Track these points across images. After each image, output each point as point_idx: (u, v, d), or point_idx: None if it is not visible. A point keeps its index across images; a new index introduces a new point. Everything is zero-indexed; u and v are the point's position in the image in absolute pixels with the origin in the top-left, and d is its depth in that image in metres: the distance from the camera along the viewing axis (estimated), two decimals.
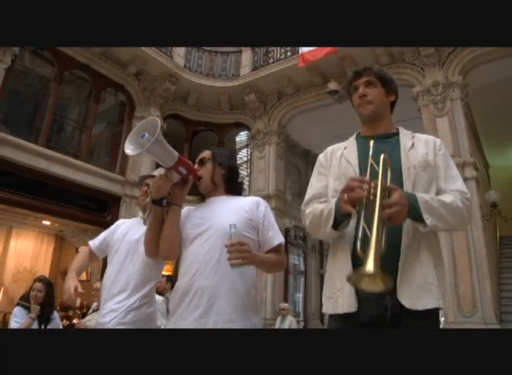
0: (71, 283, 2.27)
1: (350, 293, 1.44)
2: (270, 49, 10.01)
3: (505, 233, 11.25)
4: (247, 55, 10.37)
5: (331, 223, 1.50)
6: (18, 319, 3.87)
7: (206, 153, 2.01)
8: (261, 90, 10.08)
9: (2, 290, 9.33)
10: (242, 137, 11.49)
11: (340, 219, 1.48)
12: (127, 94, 9.48)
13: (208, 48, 10.79)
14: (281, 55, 9.69)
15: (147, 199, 1.93)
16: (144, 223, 1.94)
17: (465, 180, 7.17)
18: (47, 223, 9.19)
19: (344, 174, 1.60)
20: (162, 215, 1.87)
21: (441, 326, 1.77)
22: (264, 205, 1.91)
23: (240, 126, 10.85)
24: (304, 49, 8.76)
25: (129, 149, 1.66)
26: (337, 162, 1.67)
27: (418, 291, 1.38)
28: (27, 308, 3.93)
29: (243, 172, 11.44)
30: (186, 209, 1.97)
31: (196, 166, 1.95)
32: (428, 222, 1.40)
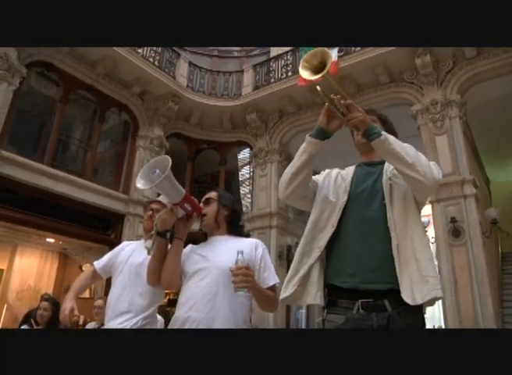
0: (67, 304, 2.33)
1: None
2: (271, 69, 10.21)
3: (507, 249, 11.26)
4: (248, 75, 10.56)
5: (308, 135, 1.68)
6: None
7: (212, 194, 2.12)
8: (262, 109, 10.24)
9: (6, 307, 9.38)
10: (244, 154, 11.62)
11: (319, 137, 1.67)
12: (131, 114, 9.65)
13: (210, 68, 11.02)
14: (282, 74, 9.88)
15: (153, 231, 2.03)
16: (148, 253, 2.03)
17: (465, 197, 7.26)
18: (51, 240, 9.27)
19: (337, 189, 1.75)
20: (166, 246, 1.98)
21: None
22: (262, 247, 2.02)
23: (242, 144, 10.99)
24: None
25: (140, 183, 1.77)
26: (334, 178, 1.81)
27: (417, 286, 1.46)
28: (32, 328, 4.00)
29: (245, 189, 11.56)
30: (189, 247, 2.08)
31: (201, 204, 2.05)
32: (384, 135, 1.55)
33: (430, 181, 1.51)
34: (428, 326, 12.90)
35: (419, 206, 1.66)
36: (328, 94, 1.61)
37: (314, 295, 1.59)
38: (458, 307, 6.84)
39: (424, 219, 8.67)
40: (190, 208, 1.95)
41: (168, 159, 1.77)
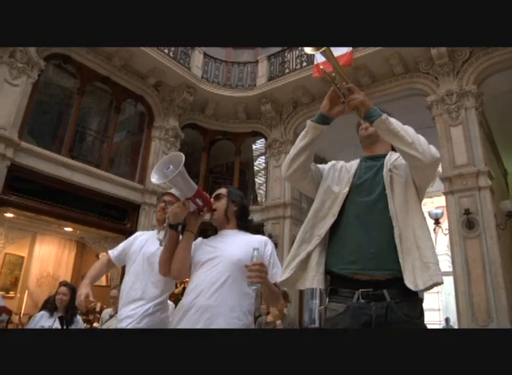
0: (83, 290, 2.45)
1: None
2: (286, 60, 10.20)
3: None
4: (263, 65, 10.55)
5: (309, 121, 1.76)
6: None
7: (222, 190, 2.22)
8: (277, 99, 10.23)
9: (27, 293, 9.66)
10: (259, 144, 11.65)
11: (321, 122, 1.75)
12: (146, 105, 9.76)
13: (224, 59, 11.04)
14: (296, 65, 9.85)
15: (165, 223, 2.12)
16: (160, 244, 2.12)
17: (479, 189, 7.20)
18: (69, 229, 9.48)
19: (341, 180, 1.82)
20: (177, 238, 2.07)
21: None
22: (271, 244, 2.11)
23: (257, 135, 11.01)
24: (318, 60, 8.90)
25: (154, 178, 1.87)
26: (338, 169, 1.88)
27: (419, 272, 1.51)
28: (50, 312, 4.17)
29: (260, 179, 11.63)
30: (199, 239, 2.18)
31: (212, 199, 2.15)
32: (384, 115, 1.61)
33: (428, 158, 1.57)
34: (442, 317, 12.84)
35: (420, 195, 1.70)
36: (332, 76, 1.67)
37: (312, 279, 1.65)
38: (471, 299, 6.83)
39: (437, 211, 8.66)
40: (201, 203, 2.03)
41: (182, 156, 1.85)
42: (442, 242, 10.94)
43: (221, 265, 1.96)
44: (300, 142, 1.77)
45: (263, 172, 11.45)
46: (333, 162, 1.96)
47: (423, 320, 1.62)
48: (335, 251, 1.69)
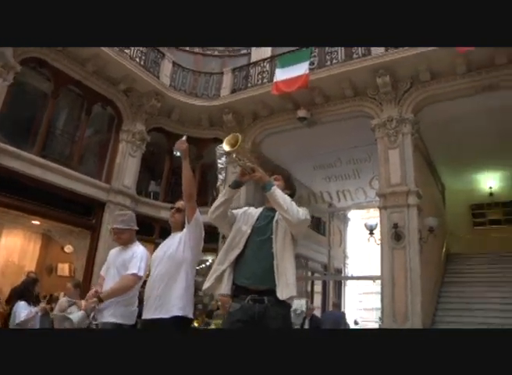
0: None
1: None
2: (249, 74, 10.99)
3: (456, 251, 12.38)
4: (227, 77, 11.32)
5: (228, 186, 2.63)
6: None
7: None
8: (238, 110, 11.03)
9: None
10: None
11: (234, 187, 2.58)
12: (116, 109, 10.39)
13: (192, 67, 11.74)
14: (258, 80, 10.67)
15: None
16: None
17: (408, 206, 8.25)
18: (36, 222, 9.93)
19: (248, 222, 2.68)
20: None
21: None
22: None
23: (218, 141, 11.69)
24: (278, 78, 9.72)
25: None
26: (247, 214, 2.75)
27: (284, 289, 2.40)
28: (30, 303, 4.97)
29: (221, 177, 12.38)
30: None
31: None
32: (273, 188, 2.46)
33: (295, 220, 2.44)
34: (375, 317, 13.97)
35: (294, 238, 2.59)
36: (240, 160, 2.51)
37: (225, 288, 2.54)
38: (393, 302, 7.89)
39: (372, 223, 9.72)
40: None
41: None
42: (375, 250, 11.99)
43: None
44: (221, 198, 2.63)
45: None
46: (245, 208, 2.84)
47: (289, 317, 2.54)
48: (238, 270, 2.57)
